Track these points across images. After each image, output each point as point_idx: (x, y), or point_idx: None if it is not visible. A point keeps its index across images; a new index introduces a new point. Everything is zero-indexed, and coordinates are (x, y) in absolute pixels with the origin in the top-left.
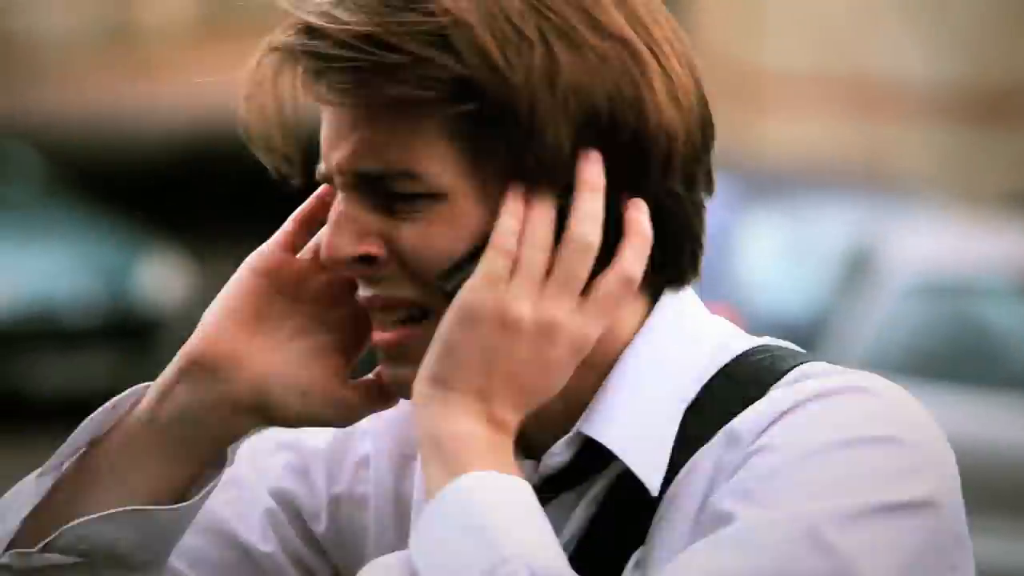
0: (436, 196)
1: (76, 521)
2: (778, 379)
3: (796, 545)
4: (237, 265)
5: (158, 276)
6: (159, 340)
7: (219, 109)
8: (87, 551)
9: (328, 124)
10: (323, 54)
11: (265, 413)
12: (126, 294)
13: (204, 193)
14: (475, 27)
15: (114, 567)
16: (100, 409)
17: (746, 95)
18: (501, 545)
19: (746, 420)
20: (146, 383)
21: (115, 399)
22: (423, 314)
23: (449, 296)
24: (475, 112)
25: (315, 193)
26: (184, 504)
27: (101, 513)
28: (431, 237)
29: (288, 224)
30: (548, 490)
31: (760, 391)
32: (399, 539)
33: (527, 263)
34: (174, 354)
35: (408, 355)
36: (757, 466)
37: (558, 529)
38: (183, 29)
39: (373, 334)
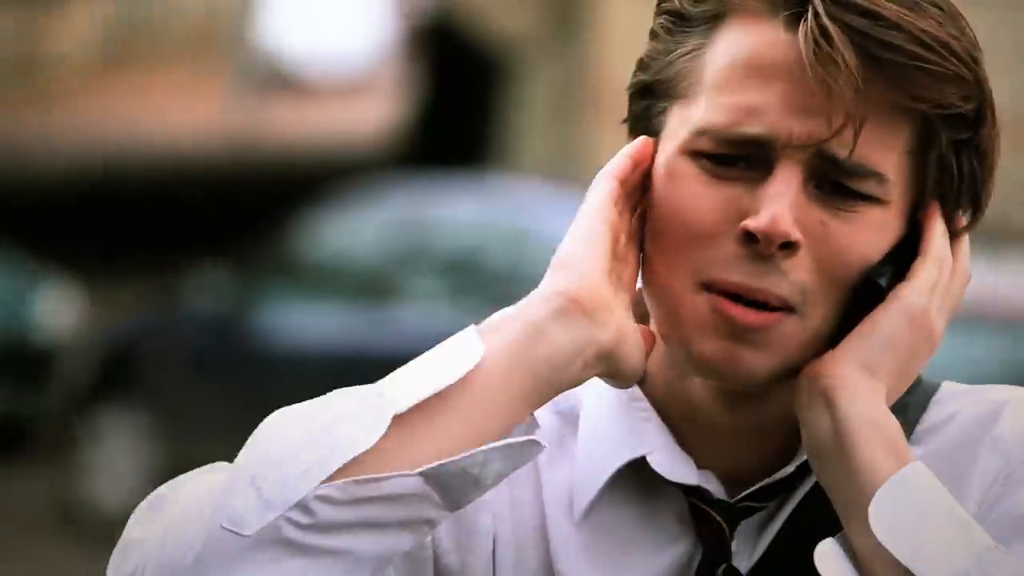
0: (880, 202)
1: (486, 447)
2: (932, 394)
3: None
4: (130, 295)
5: (52, 307)
6: (53, 370)
7: (115, 140)
8: (447, 481)
9: (796, 89)
10: (900, 47)
11: (612, 365)
12: (20, 325)
13: (99, 224)
14: (979, 57)
15: (452, 501)
16: (440, 353)
17: None
18: (978, 531)
19: (1005, 427)
20: (472, 326)
21: (455, 345)
22: (789, 309)
23: (872, 292)
24: (965, 140)
25: (628, 152)
26: (543, 440)
27: (507, 441)
28: (858, 238)
29: (614, 181)
30: (754, 501)
31: (925, 402)
32: (515, 539)
33: (943, 280)
34: (68, 384)
35: (763, 341)
36: None
37: (759, 536)
38: (84, 61)
39: (729, 308)
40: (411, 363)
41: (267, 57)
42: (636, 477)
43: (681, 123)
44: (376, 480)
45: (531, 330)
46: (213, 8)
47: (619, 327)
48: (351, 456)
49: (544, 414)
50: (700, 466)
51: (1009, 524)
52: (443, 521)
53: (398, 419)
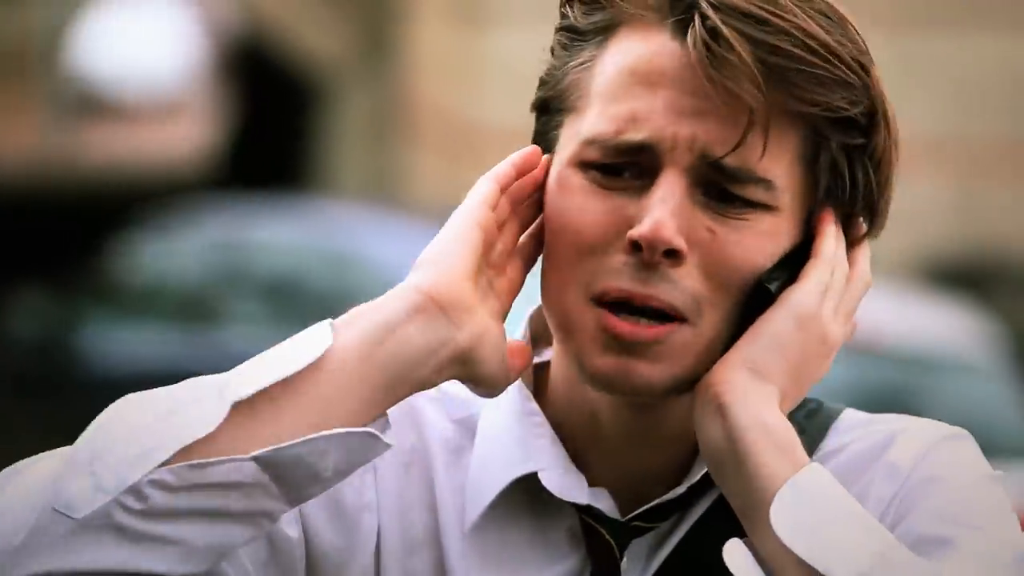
0: (770, 208)
1: (322, 434)
2: (833, 420)
3: (1015, 564)
4: None
5: None
6: None
7: None
8: (283, 470)
9: (680, 95)
10: (788, 51)
11: (469, 369)
12: None
13: None
14: (868, 63)
15: (292, 493)
16: (289, 344)
17: (463, 149)
18: (881, 530)
19: (898, 455)
20: (328, 320)
21: (305, 336)
22: (680, 318)
23: (756, 299)
24: (857, 146)
25: (512, 158)
26: (389, 440)
27: (344, 430)
28: (747, 245)
29: (492, 184)
30: (646, 520)
31: (825, 428)
32: (403, 543)
33: (836, 283)
34: None
35: (656, 353)
36: (945, 494)
37: (653, 555)
38: None
39: (616, 325)
40: (261, 354)
41: (80, 80)
42: (528, 491)
43: (571, 136)
44: (210, 464)
45: (383, 325)
46: (23, 32)
47: (479, 330)
48: (188, 441)
49: (441, 422)
50: (595, 483)
51: (908, 545)
52: (323, 519)
53: (240, 407)
